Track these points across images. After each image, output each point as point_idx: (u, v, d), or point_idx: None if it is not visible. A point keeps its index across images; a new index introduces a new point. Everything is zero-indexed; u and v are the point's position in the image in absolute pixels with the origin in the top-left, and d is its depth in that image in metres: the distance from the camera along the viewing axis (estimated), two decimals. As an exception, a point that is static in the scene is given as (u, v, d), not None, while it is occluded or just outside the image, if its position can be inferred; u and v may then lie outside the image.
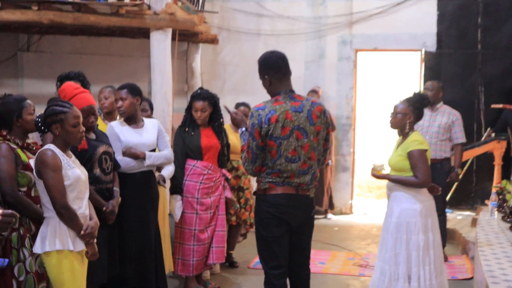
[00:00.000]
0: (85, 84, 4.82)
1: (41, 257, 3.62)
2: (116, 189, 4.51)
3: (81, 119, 3.73)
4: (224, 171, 5.80)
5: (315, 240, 7.72)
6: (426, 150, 4.61)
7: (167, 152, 5.05)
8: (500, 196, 6.45)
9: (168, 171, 5.32)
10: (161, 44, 7.50)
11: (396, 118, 4.73)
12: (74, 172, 3.62)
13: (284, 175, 3.98)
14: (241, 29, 10.00)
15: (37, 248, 3.59)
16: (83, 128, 3.73)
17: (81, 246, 3.63)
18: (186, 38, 8.99)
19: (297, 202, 4.03)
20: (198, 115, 5.56)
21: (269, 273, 4.07)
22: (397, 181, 4.67)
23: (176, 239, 5.58)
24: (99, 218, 4.21)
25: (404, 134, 4.74)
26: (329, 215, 9.49)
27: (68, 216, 3.56)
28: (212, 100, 5.64)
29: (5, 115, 3.88)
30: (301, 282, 4.23)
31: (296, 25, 9.88)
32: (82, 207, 3.68)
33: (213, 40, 9.63)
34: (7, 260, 3.47)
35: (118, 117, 5.10)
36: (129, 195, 4.70)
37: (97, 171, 4.33)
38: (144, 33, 7.99)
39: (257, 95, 4.34)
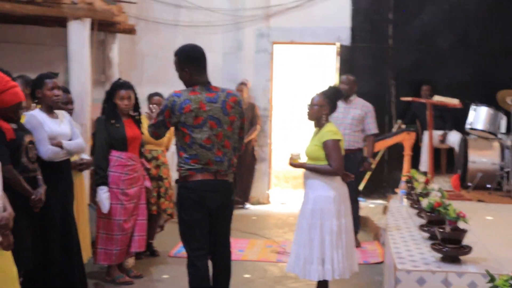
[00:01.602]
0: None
1: None
2: (40, 177, 4.52)
3: None
4: (143, 161, 5.88)
5: (234, 229, 7.89)
6: (339, 140, 4.84)
7: (80, 140, 5.09)
8: (409, 184, 6.79)
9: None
10: (79, 34, 7.43)
11: (313, 109, 4.94)
12: None
13: (202, 162, 4.18)
14: (159, 20, 10.01)
15: None
16: None
17: None
18: (104, 27, 8.89)
19: (216, 187, 4.25)
20: (126, 104, 5.60)
21: (192, 255, 4.27)
22: (312, 169, 4.88)
23: (99, 230, 5.60)
24: (25, 206, 4.24)
25: (320, 125, 4.95)
26: (247, 205, 9.67)
27: None
28: (134, 89, 5.73)
29: None
30: (223, 262, 4.46)
31: (214, 16, 9.98)
32: None
33: (131, 30, 9.57)
34: None
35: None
36: (53, 184, 4.75)
37: (25, 160, 4.34)
38: (59, 22, 7.88)
39: (175, 86, 4.48)
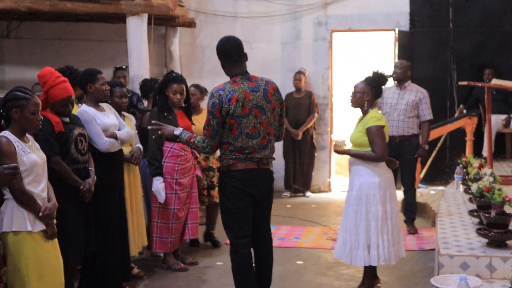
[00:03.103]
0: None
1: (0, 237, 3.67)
2: (91, 168, 4.72)
3: (40, 107, 3.84)
4: (193, 150, 6.03)
5: (292, 217, 8.06)
6: (383, 126, 4.85)
7: (128, 129, 5.26)
8: (464, 170, 6.70)
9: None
10: (137, 29, 7.69)
11: (355, 97, 4.99)
12: (29, 157, 3.71)
13: (246, 152, 4.26)
14: (218, 12, 10.15)
15: None
16: (40, 117, 3.85)
17: (41, 226, 3.73)
18: (164, 22, 9.14)
19: (259, 176, 4.34)
20: (178, 97, 5.76)
21: (236, 243, 4.36)
22: (356, 156, 4.92)
23: (154, 219, 5.79)
24: (76, 197, 4.45)
25: (363, 111, 4.98)
26: (308, 193, 9.70)
27: (24, 200, 3.66)
28: (186, 83, 5.87)
29: None
30: (265, 249, 4.54)
31: (272, 7, 10.03)
32: (40, 190, 3.78)
33: (191, 24, 9.80)
34: None
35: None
36: (111, 174, 5.00)
37: (74, 151, 4.53)
38: (121, 18, 8.16)
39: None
